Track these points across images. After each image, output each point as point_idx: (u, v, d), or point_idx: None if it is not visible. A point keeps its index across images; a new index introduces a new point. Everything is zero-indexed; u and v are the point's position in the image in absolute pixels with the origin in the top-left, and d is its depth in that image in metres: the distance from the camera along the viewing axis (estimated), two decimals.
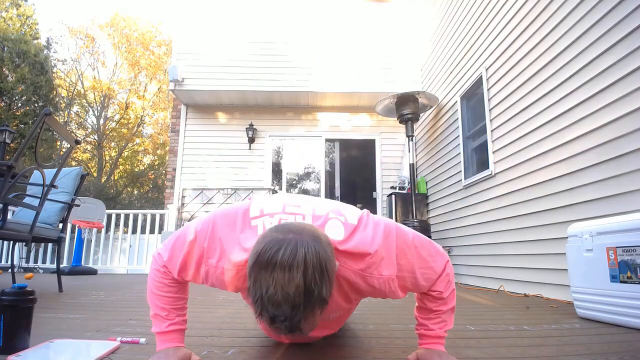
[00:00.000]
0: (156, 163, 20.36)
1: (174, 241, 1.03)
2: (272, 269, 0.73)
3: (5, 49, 12.42)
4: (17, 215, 2.88)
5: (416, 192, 5.36)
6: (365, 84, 6.19)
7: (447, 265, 1.06)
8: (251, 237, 0.92)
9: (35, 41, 13.83)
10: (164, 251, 1.04)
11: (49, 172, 2.57)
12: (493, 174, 3.75)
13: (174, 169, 6.49)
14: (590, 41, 2.52)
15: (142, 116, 20.48)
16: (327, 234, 0.88)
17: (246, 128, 6.43)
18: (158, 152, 20.37)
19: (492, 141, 3.81)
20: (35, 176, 2.93)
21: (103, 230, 6.16)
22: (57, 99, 14.79)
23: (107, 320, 1.74)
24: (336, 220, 0.96)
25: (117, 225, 8.14)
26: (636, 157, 2.15)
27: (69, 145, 2.72)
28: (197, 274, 1.00)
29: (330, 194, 6.55)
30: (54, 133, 12.22)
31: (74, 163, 16.40)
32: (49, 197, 2.60)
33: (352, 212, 1.00)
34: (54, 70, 16.22)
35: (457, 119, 4.67)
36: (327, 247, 0.80)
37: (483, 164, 4.05)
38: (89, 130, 19.60)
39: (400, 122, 5.20)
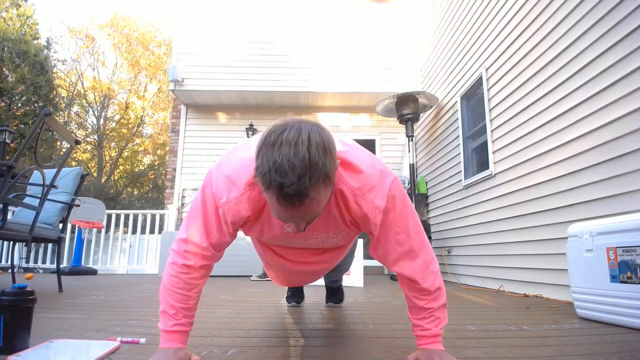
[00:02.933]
0: (156, 163, 20.36)
1: (188, 218, 1.08)
2: (279, 146, 0.78)
3: (5, 49, 12.42)
4: (17, 215, 2.88)
5: (416, 192, 5.36)
6: (365, 84, 6.19)
7: (429, 253, 1.08)
8: (251, 152, 0.93)
9: (35, 41, 13.83)
10: (181, 233, 1.08)
11: (49, 172, 2.57)
12: (493, 174, 3.75)
13: (174, 169, 6.49)
14: (590, 41, 2.52)
15: (142, 116, 20.48)
16: None
17: (246, 128, 6.43)
18: (158, 152, 20.37)
19: (492, 141, 3.81)
20: (35, 176, 2.93)
21: (103, 231, 6.16)
22: (57, 99, 14.79)
23: (107, 320, 1.74)
24: (339, 141, 1.00)
25: (117, 225, 8.14)
26: (636, 157, 2.15)
27: (69, 145, 2.72)
28: (220, 228, 1.04)
29: None
30: (54, 133, 12.22)
31: (74, 163, 16.40)
32: (49, 197, 2.60)
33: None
34: (54, 70, 16.22)
35: (457, 119, 4.67)
36: (329, 134, 0.85)
37: (483, 164, 4.05)
38: (89, 130, 19.61)
39: (400, 122, 5.20)
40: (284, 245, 1.27)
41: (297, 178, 0.76)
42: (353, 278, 3.59)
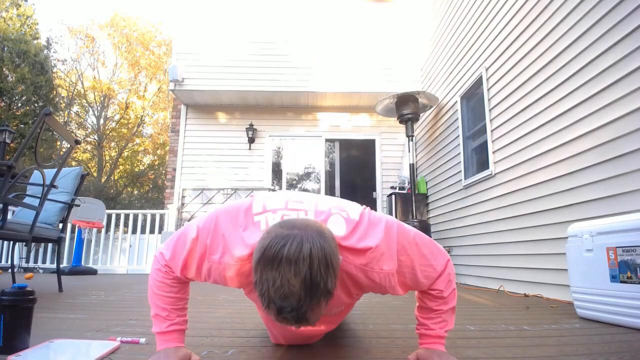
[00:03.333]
0: (156, 163, 20.36)
1: (176, 240, 1.03)
2: (278, 263, 0.74)
3: (5, 49, 12.43)
4: (17, 215, 2.88)
5: (416, 192, 5.36)
6: (365, 84, 6.19)
7: (448, 265, 1.07)
8: (254, 233, 0.93)
9: (35, 41, 13.83)
10: (165, 250, 1.04)
11: (49, 172, 2.57)
12: (493, 174, 3.75)
13: (174, 169, 6.49)
14: (590, 41, 2.52)
15: (142, 116, 20.48)
16: (330, 229, 0.89)
17: (246, 128, 6.43)
18: (158, 152, 20.37)
19: (492, 141, 3.81)
20: (35, 176, 2.93)
21: (103, 230, 6.16)
22: (57, 99, 14.80)
23: (107, 320, 1.74)
24: (338, 216, 0.98)
25: (117, 225, 8.14)
26: (636, 157, 2.15)
27: (69, 145, 2.72)
28: (199, 272, 1.00)
29: (330, 194, 6.55)
30: (54, 133, 12.22)
31: (74, 163, 16.40)
32: (49, 197, 2.60)
33: (354, 208, 1.02)
34: (54, 70, 16.22)
35: (457, 119, 4.67)
36: (332, 241, 0.82)
37: (483, 164, 4.05)
38: (89, 130, 19.61)
39: (400, 122, 5.20)
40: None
41: (296, 301, 0.74)
42: None
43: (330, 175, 6.72)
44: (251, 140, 6.47)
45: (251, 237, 0.92)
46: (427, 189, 5.67)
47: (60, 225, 2.89)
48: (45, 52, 14.37)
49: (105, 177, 18.97)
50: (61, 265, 2.99)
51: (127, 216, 6.44)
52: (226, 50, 6.28)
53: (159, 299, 1.05)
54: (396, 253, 0.98)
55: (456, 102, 4.74)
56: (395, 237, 0.99)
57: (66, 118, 17.70)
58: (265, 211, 0.98)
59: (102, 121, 19.63)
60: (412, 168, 5.19)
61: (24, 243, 2.61)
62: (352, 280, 0.98)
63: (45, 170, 2.42)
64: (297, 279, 0.73)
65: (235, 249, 0.94)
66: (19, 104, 12.67)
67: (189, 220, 6.12)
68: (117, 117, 20.22)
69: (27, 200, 2.81)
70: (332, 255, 0.79)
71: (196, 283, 1.05)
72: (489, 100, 3.92)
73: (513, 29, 3.48)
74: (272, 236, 0.78)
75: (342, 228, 0.95)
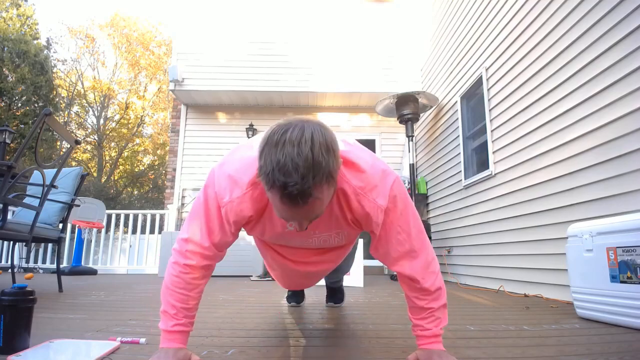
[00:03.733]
0: (156, 163, 20.36)
1: (189, 218, 1.08)
2: (282, 146, 0.78)
3: (5, 49, 12.42)
4: (17, 215, 2.88)
5: (416, 192, 5.35)
6: (365, 84, 6.19)
7: (426, 252, 1.08)
8: (253, 148, 0.94)
9: (35, 41, 13.82)
10: (183, 233, 1.07)
11: (49, 172, 2.57)
12: (493, 174, 3.75)
13: (174, 169, 6.49)
14: (590, 41, 2.52)
15: (142, 116, 20.48)
16: None
17: (246, 128, 6.43)
18: (158, 152, 20.37)
19: (492, 141, 3.81)
20: (35, 176, 2.93)
21: (103, 230, 6.16)
22: (57, 99, 14.79)
23: (107, 320, 1.74)
24: (341, 141, 1.01)
25: (117, 225, 8.15)
26: (636, 157, 2.15)
27: (69, 145, 2.72)
28: (222, 227, 1.04)
29: None
30: (54, 133, 12.21)
31: (74, 163, 16.40)
32: (49, 197, 2.60)
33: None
34: (54, 70, 16.21)
35: (457, 119, 4.67)
36: (332, 133, 0.86)
37: (483, 164, 4.05)
38: (89, 130, 19.61)
39: (400, 122, 5.20)
40: (286, 244, 1.27)
41: (300, 177, 0.77)
42: (353, 278, 3.59)
43: None
44: None
45: (252, 165, 0.94)
46: (427, 189, 5.67)
47: (60, 226, 2.89)
48: (45, 52, 14.36)
49: (105, 177, 18.97)
50: (61, 266, 2.99)
51: (127, 216, 6.44)
52: (226, 51, 6.28)
53: (171, 294, 1.05)
54: (388, 197, 1.01)
55: (456, 102, 4.74)
56: (391, 183, 1.03)
57: (66, 118, 17.69)
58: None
59: (102, 121, 19.63)
60: (412, 168, 5.19)
61: (24, 243, 2.61)
62: (346, 201, 1.00)
63: (45, 170, 2.42)
64: (300, 157, 0.76)
65: (240, 177, 0.98)
66: (19, 104, 12.67)
67: None
68: (117, 117, 20.22)
69: (27, 200, 2.81)
70: (333, 141, 0.83)
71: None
72: (489, 100, 3.92)
73: (513, 29, 3.48)
74: (274, 126, 0.83)
75: (342, 145, 0.98)
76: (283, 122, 0.84)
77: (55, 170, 2.59)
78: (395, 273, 1.15)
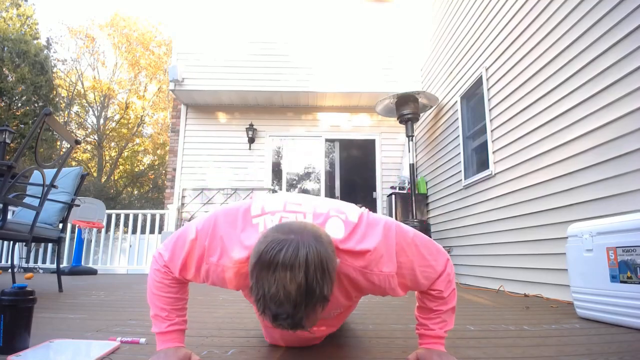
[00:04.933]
0: (156, 163, 20.35)
1: (175, 240, 1.03)
2: (274, 269, 0.74)
3: (5, 49, 12.42)
4: (17, 215, 2.88)
5: (416, 192, 5.35)
6: (365, 84, 6.19)
7: (448, 265, 1.07)
8: (252, 235, 0.93)
9: (35, 41, 13.82)
10: (164, 251, 1.04)
11: (49, 172, 2.57)
12: (493, 174, 3.75)
13: (174, 169, 6.49)
14: (590, 41, 2.52)
15: (142, 116, 20.48)
16: (328, 232, 0.89)
17: (246, 128, 6.43)
18: (158, 152, 20.37)
19: (492, 141, 3.81)
20: (35, 176, 2.93)
21: (103, 230, 6.16)
22: (57, 99, 14.79)
23: (107, 320, 1.74)
24: (337, 219, 0.97)
25: (117, 225, 8.15)
26: (636, 157, 2.15)
27: (69, 145, 2.72)
28: (197, 273, 1.01)
29: (330, 194, 6.55)
30: (54, 133, 12.21)
31: (74, 163, 16.40)
32: (49, 197, 2.60)
33: (353, 210, 1.01)
34: (54, 70, 16.21)
35: (457, 119, 4.67)
36: (329, 246, 0.81)
37: (483, 164, 4.05)
38: (89, 130, 19.61)
39: (400, 122, 5.20)
40: None
41: (292, 307, 0.74)
42: None
43: (330, 176, 6.72)
44: (251, 140, 6.47)
45: (249, 239, 0.92)
46: (427, 189, 5.67)
47: (60, 225, 2.89)
48: (45, 52, 14.36)
49: (105, 177, 18.97)
50: (61, 265, 2.99)
51: (127, 216, 6.44)
52: (226, 50, 6.28)
53: (158, 299, 1.04)
54: (395, 255, 0.97)
55: (456, 102, 4.74)
56: (394, 238, 0.98)
57: (66, 118, 17.69)
58: (263, 213, 0.98)
59: (102, 121, 19.63)
60: (412, 168, 5.19)
61: (24, 243, 2.61)
62: (351, 282, 0.97)
63: (45, 170, 2.42)
64: (293, 284, 0.73)
65: (233, 251, 0.93)
66: (19, 104, 12.67)
67: (189, 220, 6.12)
68: (117, 117, 20.22)
69: (27, 200, 2.81)
70: (329, 260, 0.78)
71: (195, 283, 1.05)
72: (489, 100, 3.92)
73: (513, 29, 3.48)
74: (268, 240, 0.78)
75: (340, 231, 0.95)
76: (278, 235, 0.79)
77: (55, 170, 2.59)
78: None
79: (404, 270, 0.99)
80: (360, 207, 1.06)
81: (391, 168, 6.51)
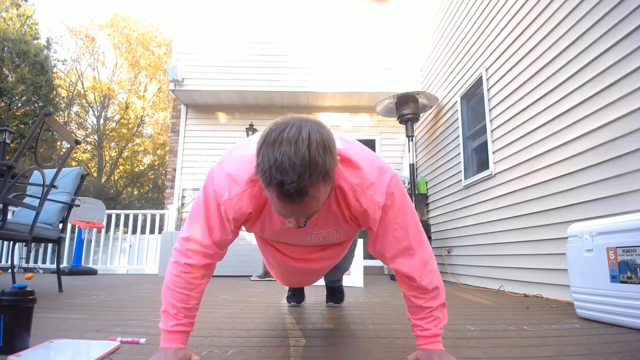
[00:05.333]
0: (156, 163, 20.35)
1: (189, 217, 1.09)
2: (279, 144, 0.79)
3: (5, 49, 12.42)
4: (17, 215, 2.88)
5: (416, 192, 5.35)
6: (365, 84, 6.19)
7: (424, 250, 1.09)
8: (252, 146, 0.95)
9: (35, 41, 13.81)
10: (183, 232, 1.09)
11: (49, 172, 2.57)
12: (493, 174, 3.75)
13: (174, 169, 6.49)
14: (590, 41, 2.52)
15: (142, 116, 20.48)
16: None
17: (246, 128, 6.43)
18: (158, 152, 20.37)
19: (492, 141, 3.81)
20: (35, 176, 2.93)
21: (103, 230, 6.16)
22: (57, 99, 14.79)
23: (107, 320, 1.74)
24: (339, 139, 1.02)
25: (117, 225, 8.15)
26: (636, 157, 2.15)
27: (69, 145, 2.72)
28: (223, 224, 1.05)
29: None
30: (54, 133, 12.21)
31: (74, 163, 16.40)
32: (49, 197, 2.60)
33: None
34: (54, 70, 16.21)
35: (457, 119, 4.67)
36: (329, 131, 0.87)
37: (483, 164, 4.05)
38: (89, 130, 19.61)
39: (400, 122, 5.20)
40: (286, 242, 1.29)
41: (297, 176, 0.78)
42: (353, 278, 3.59)
43: None
44: None
45: (248, 147, 1.00)
46: (427, 189, 5.67)
47: (60, 226, 2.89)
48: (45, 52, 14.35)
49: (105, 177, 18.97)
50: (61, 265, 2.99)
51: (127, 216, 6.44)
52: (226, 51, 6.28)
53: (171, 294, 1.05)
54: (385, 194, 1.02)
55: (456, 102, 4.74)
56: (388, 180, 1.03)
57: (66, 118, 17.69)
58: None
59: (102, 121, 19.63)
60: (412, 168, 5.19)
61: (24, 243, 2.61)
62: (343, 198, 1.02)
63: (45, 170, 2.42)
64: (297, 156, 0.78)
65: (238, 175, 1.00)
66: (19, 104, 12.66)
67: None
68: (117, 117, 20.22)
69: (27, 200, 2.81)
70: (330, 140, 0.84)
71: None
72: (489, 100, 3.92)
73: (513, 29, 3.48)
74: (272, 125, 0.84)
75: (339, 143, 0.99)
76: (281, 120, 0.85)
77: (55, 170, 2.59)
78: (394, 273, 1.17)
79: (385, 214, 1.04)
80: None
81: (391, 168, 6.50)
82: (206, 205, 1.05)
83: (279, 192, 0.80)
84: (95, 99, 19.61)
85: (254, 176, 0.95)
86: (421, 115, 5.53)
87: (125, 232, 7.56)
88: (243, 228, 1.16)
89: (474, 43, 4.29)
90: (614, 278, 1.69)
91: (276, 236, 1.23)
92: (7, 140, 6.32)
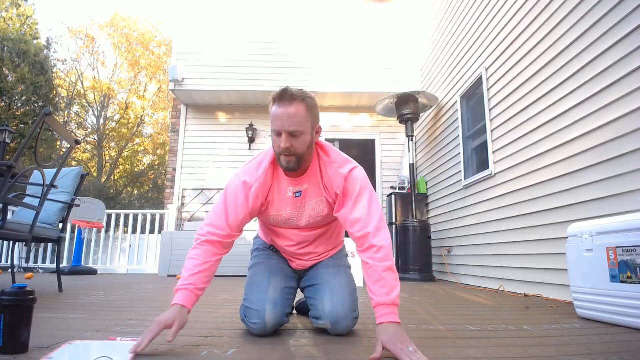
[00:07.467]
0: (156, 163, 20.35)
1: (210, 213, 1.37)
2: (282, 94, 1.24)
3: (5, 49, 12.41)
4: (17, 215, 2.88)
5: (416, 192, 5.36)
6: (365, 84, 6.19)
7: (380, 223, 1.28)
8: (260, 157, 1.44)
9: (35, 41, 13.81)
10: (205, 221, 1.36)
11: (49, 172, 2.57)
12: (493, 174, 3.75)
13: (174, 169, 6.49)
14: (590, 41, 2.52)
15: (142, 116, 20.47)
16: None
17: (246, 128, 6.43)
18: (158, 152, 20.36)
19: (492, 141, 3.81)
20: (35, 176, 2.93)
21: (103, 230, 6.16)
22: (57, 99, 14.78)
23: (107, 320, 1.74)
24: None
25: (117, 225, 8.15)
26: (636, 157, 2.15)
27: (69, 145, 2.72)
28: (246, 200, 1.33)
29: None
30: (54, 133, 12.22)
31: (74, 163, 16.40)
32: (49, 197, 2.60)
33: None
34: (54, 70, 16.21)
35: (457, 119, 4.67)
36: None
37: (483, 164, 4.05)
38: (89, 130, 19.60)
39: (400, 122, 5.20)
40: (284, 226, 1.50)
41: (293, 91, 1.24)
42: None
43: None
44: (251, 140, 6.47)
45: (259, 157, 1.43)
46: (427, 189, 5.68)
47: (60, 225, 2.89)
48: (45, 52, 14.34)
49: (105, 177, 18.96)
50: (61, 265, 2.99)
51: (127, 216, 6.44)
52: (226, 50, 6.28)
53: (188, 261, 1.27)
54: (348, 171, 1.34)
55: (456, 102, 4.74)
56: (352, 167, 1.35)
57: (66, 118, 17.69)
58: None
59: (102, 121, 19.62)
60: (412, 168, 5.19)
61: (24, 243, 2.60)
62: (324, 175, 1.36)
63: (45, 170, 2.42)
64: (297, 98, 1.25)
65: (259, 167, 1.38)
66: (19, 104, 12.66)
67: (188, 220, 6.12)
68: (117, 117, 20.21)
69: (27, 200, 2.81)
70: (318, 106, 1.37)
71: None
72: (489, 100, 3.92)
73: (513, 29, 3.48)
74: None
75: (323, 140, 1.47)
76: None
77: (55, 170, 2.59)
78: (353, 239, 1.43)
79: (346, 186, 1.32)
80: None
81: (391, 168, 6.51)
82: (226, 194, 1.35)
83: (277, 97, 1.23)
84: (95, 99, 19.61)
85: (269, 165, 1.36)
86: (421, 115, 5.53)
87: (125, 232, 7.56)
88: (245, 228, 1.39)
89: (474, 43, 4.30)
90: (614, 278, 1.69)
91: (279, 214, 1.43)
92: (7, 140, 6.31)
